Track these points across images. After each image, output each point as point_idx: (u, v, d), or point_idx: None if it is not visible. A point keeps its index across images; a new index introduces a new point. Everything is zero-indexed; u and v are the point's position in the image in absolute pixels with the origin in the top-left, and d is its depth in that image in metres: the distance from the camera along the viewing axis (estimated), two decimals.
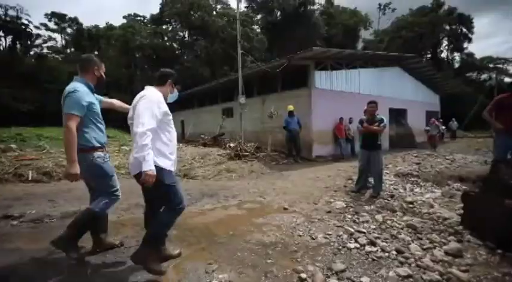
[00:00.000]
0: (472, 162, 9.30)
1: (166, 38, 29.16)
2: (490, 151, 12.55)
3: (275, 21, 34.33)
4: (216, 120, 14.36)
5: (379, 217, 3.50)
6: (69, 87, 2.14)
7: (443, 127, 17.31)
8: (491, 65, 38.11)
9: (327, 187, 5.13)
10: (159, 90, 2.19)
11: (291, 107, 7.80)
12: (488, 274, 2.54)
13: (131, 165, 2.01)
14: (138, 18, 35.36)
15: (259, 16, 36.33)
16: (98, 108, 2.30)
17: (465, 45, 38.43)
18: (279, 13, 35.04)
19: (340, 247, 2.67)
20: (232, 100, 13.47)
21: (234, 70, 27.79)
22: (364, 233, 3.03)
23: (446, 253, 2.87)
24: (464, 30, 37.81)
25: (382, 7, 43.22)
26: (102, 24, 34.60)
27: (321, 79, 10.23)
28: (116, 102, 2.58)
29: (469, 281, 2.38)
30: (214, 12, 30.65)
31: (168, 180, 2.02)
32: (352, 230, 3.02)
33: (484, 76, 39.13)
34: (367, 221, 3.36)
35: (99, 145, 2.24)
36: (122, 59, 28.32)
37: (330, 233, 2.96)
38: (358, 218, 3.43)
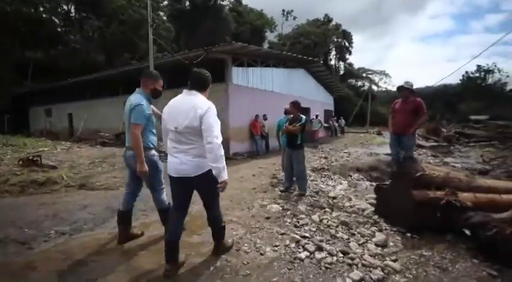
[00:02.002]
0: (361, 154, 11.07)
1: (42, 9, 23.10)
2: (371, 145, 15.47)
3: (183, 10, 32.44)
4: (118, 114, 12.26)
5: (315, 217, 3.49)
6: (135, 101, 2.49)
7: (336, 124, 20.26)
8: (364, 74, 47.29)
9: (254, 188, 4.92)
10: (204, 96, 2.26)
11: None
12: (410, 258, 2.80)
13: (191, 166, 2.12)
14: None
15: (165, 2, 33.53)
16: (153, 118, 2.68)
17: (347, 56, 46.37)
18: (187, 2, 33.24)
19: (292, 259, 2.44)
20: None
21: (137, 58, 24.72)
22: (308, 237, 2.92)
23: (376, 245, 3.07)
24: (346, 43, 45.48)
25: (285, 13, 47.06)
26: None
27: (238, 75, 10.07)
28: (156, 111, 2.78)
29: (401, 269, 2.54)
30: None
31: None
32: (298, 237, 2.86)
33: (359, 83, 48.26)
34: (306, 224, 3.28)
35: (153, 146, 2.68)
36: None
37: (277, 244, 2.70)
38: (298, 221, 3.32)
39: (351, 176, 8.39)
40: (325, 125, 18.16)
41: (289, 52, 12.75)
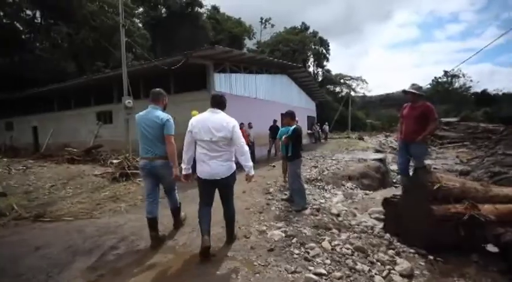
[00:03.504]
0: (349, 161, 10.80)
1: (2, 13, 21.28)
2: (356, 150, 15.36)
3: (160, 18, 31.56)
4: (87, 126, 11.23)
5: (326, 244, 2.96)
6: (163, 115, 2.96)
7: (320, 130, 20.13)
8: (342, 81, 48.41)
9: (248, 208, 4.31)
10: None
11: (195, 113, 6.39)
12: None
13: (221, 169, 2.66)
14: None
15: (141, 9, 32.45)
16: None
17: (325, 63, 47.32)
18: (164, 9, 32.42)
19: None
20: (112, 102, 10.83)
21: (111, 67, 23.36)
22: (325, 274, 2.37)
23: (402, 275, 2.62)
24: (323, 50, 46.44)
25: (263, 21, 47.34)
26: None
27: (221, 82, 9.50)
28: None
29: None
30: None
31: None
32: (313, 276, 2.30)
33: (337, 89, 49.32)
34: (318, 254, 2.73)
35: None
36: None
37: None
38: (308, 252, 2.76)
39: (344, 185, 8.03)
40: (309, 131, 17.95)
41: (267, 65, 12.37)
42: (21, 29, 24.08)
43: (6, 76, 19.45)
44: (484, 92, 46.91)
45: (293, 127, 4.53)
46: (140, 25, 30.30)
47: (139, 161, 3.07)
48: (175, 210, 3.34)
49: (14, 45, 21.19)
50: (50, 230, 3.39)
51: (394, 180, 12.28)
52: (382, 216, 4.44)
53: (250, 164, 2.77)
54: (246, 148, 2.74)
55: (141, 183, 5.50)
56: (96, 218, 3.86)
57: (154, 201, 3.02)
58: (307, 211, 4.20)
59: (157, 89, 3.20)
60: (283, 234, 3.15)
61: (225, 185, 2.77)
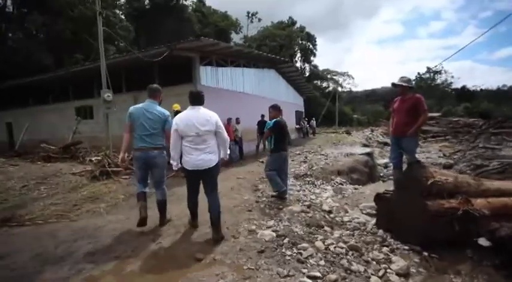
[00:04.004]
0: (338, 156, 10.78)
1: None
2: (344, 144, 15.44)
3: (143, 9, 30.45)
4: (66, 122, 10.65)
5: (319, 244, 2.82)
6: (163, 111, 3.25)
7: (308, 125, 20.14)
8: (329, 76, 48.73)
9: (236, 206, 4.12)
10: None
11: (177, 106, 6.04)
12: None
13: (207, 161, 2.88)
14: None
15: (123, 0, 31.18)
16: None
17: (312, 58, 47.38)
18: (147, 1, 31.30)
19: None
20: (92, 97, 10.29)
21: (91, 59, 22.34)
22: (320, 278, 2.22)
23: (398, 274, 2.52)
24: (311, 46, 46.45)
25: (250, 15, 46.70)
26: None
27: (207, 75, 9.19)
28: None
29: None
30: None
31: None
32: (309, 281, 2.14)
33: (324, 84, 49.65)
34: (311, 255, 2.58)
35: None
36: None
37: None
38: (301, 253, 2.60)
39: (333, 180, 7.97)
40: (297, 126, 17.90)
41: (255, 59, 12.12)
42: None
43: None
44: (463, 88, 48.63)
45: (274, 120, 4.50)
46: (123, 17, 29.16)
47: (134, 153, 3.18)
48: (162, 204, 3.37)
49: None
50: (18, 235, 3.07)
51: (381, 174, 12.45)
52: (374, 212, 4.36)
53: (228, 151, 3.19)
54: (227, 139, 3.09)
55: (123, 182, 5.20)
56: (72, 220, 3.55)
57: (145, 185, 3.27)
58: (298, 208, 4.06)
59: (155, 85, 3.42)
60: (274, 234, 2.98)
61: (209, 176, 2.96)
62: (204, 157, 2.85)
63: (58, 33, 21.29)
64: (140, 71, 9.21)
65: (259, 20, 46.88)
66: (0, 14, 22.84)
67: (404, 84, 3.89)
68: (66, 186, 4.83)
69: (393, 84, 4.01)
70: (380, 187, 7.67)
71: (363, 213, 4.43)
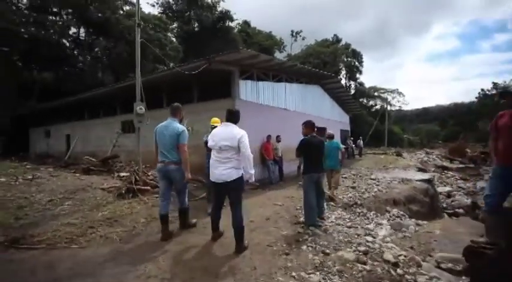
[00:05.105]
0: (391, 181, 9.32)
1: (52, 31, 23.03)
2: (396, 168, 13.63)
3: (192, 32, 32.45)
4: (112, 135, 11.05)
5: None
6: (178, 126, 3.43)
7: (354, 145, 18.55)
8: (376, 94, 45.96)
9: (271, 244, 3.28)
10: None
11: (215, 120, 5.35)
12: None
13: (227, 175, 3.00)
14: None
15: (175, 25, 33.73)
16: None
17: (358, 75, 45.34)
18: (196, 24, 33.37)
19: None
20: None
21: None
22: None
23: None
24: (356, 63, 44.61)
25: (294, 34, 46.97)
26: None
27: (247, 90, 8.72)
28: None
29: None
30: (121, 12, 26.44)
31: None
32: None
33: (371, 102, 46.83)
34: None
35: None
36: None
37: None
38: None
39: (388, 211, 6.70)
40: (343, 146, 16.48)
41: (298, 74, 11.43)
42: (67, 45, 25.91)
43: (53, 89, 20.74)
44: None
45: (303, 138, 4.29)
46: (173, 39, 31.36)
47: (158, 165, 3.47)
48: (183, 211, 3.67)
49: (59, 61, 22.67)
50: (15, 263, 2.65)
51: (444, 205, 10.51)
52: (459, 268, 3.21)
53: (252, 171, 3.07)
54: (251, 156, 3.04)
55: (149, 202, 4.75)
56: (81, 247, 3.08)
57: (166, 201, 3.49)
58: (351, 255, 3.07)
59: (176, 104, 3.62)
60: None
61: (231, 188, 3.04)
62: (223, 171, 2.98)
63: (118, 55, 23.45)
64: (180, 86, 9.15)
65: (304, 38, 46.85)
66: (74, 41, 26.15)
67: None
68: (90, 203, 4.52)
69: (502, 94, 2.92)
70: (452, 225, 6.19)
71: (441, 267, 3.27)
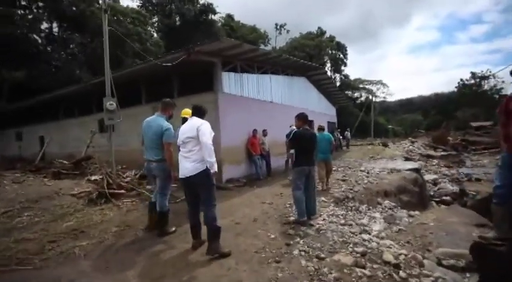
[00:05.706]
0: (381, 172, 9.18)
1: (21, 26, 21.52)
2: (384, 158, 13.61)
3: (173, 26, 31.33)
4: (87, 136, 10.33)
5: None
6: (165, 124, 3.32)
7: (341, 137, 18.47)
8: (361, 85, 46.37)
9: (259, 251, 2.92)
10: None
11: (186, 111, 4.51)
12: None
13: (191, 168, 2.84)
14: None
15: (155, 18, 32.48)
16: None
17: (342, 68, 45.51)
18: (177, 18, 32.25)
19: None
20: None
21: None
22: None
23: None
24: (341, 55, 44.73)
25: (278, 27, 46.43)
26: None
27: (230, 82, 8.27)
28: None
29: None
30: (97, 5, 25.09)
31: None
32: None
33: (356, 94, 47.26)
34: None
35: None
36: None
37: None
38: None
39: (380, 203, 6.50)
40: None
41: (284, 65, 11.04)
42: (40, 41, 24.37)
43: (26, 87, 19.40)
44: None
45: (294, 130, 4.15)
46: (155, 34, 30.19)
47: (145, 162, 3.49)
48: (161, 215, 3.44)
49: (30, 58, 21.26)
50: None
51: (432, 193, 10.51)
52: (462, 264, 2.97)
53: (213, 159, 2.81)
54: (210, 145, 2.82)
55: (123, 207, 4.27)
56: (36, 268, 2.61)
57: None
58: (348, 258, 2.76)
59: (168, 99, 3.55)
60: None
61: (198, 184, 2.88)
62: (188, 165, 2.87)
63: (94, 51, 22.28)
64: (159, 81, 8.58)
65: (288, 31, 46.38)
66: (47, 37, 24.62)
67: None
68: (55, 212, 4.00)
69: None
70: (444, 215, 6.02)
71: (443, 265, 3.01)
